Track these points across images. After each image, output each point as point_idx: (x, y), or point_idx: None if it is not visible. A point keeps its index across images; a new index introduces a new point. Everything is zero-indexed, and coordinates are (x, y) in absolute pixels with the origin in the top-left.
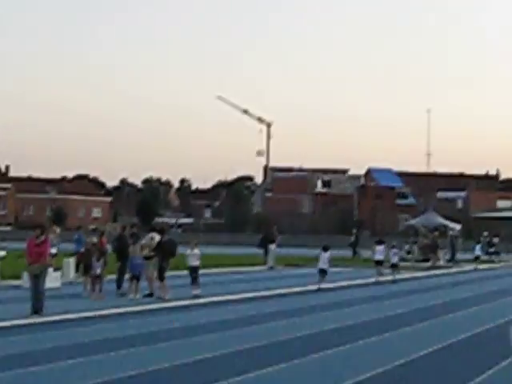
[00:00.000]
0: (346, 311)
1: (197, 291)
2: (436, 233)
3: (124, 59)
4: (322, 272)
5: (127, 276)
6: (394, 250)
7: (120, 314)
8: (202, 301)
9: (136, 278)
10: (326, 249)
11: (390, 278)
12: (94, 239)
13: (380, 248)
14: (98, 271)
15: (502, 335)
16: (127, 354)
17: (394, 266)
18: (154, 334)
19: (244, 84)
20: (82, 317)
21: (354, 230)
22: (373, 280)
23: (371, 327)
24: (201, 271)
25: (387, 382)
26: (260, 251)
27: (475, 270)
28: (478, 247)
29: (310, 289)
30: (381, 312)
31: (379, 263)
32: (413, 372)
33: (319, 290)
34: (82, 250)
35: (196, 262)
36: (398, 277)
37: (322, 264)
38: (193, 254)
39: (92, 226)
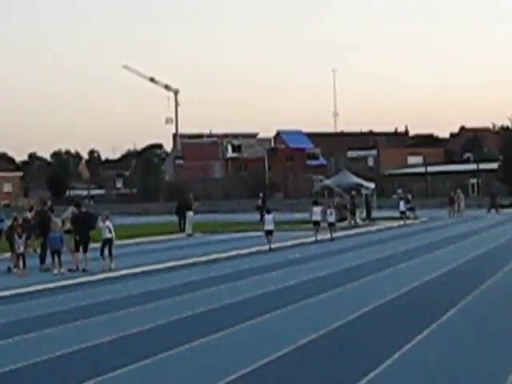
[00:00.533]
0: (299, 268)
1: (107, 264)
2: (353, 192)
3: (29, 32)
4: (268, 233)
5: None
6: (330, 210)
7: (43, 290)
8: (125, 272)
9: (56, 252)
10: (269, 211)
11: (328, 236)
12: (28, 215)
13: (317, 209)
14: (21, 248)
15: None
16: (61, 331)
17: (332, 225)
18: (85, 309)
19: (149, 52)
20: (7, 294)
21: (261, 194)
22: (312, 239)
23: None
24: (119, 243)
25: (327, 344)
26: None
27: (404, 225)
28: (401, 203)
29: (237, 253)
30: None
31: (317, 223)
32: (351, 332)
33: (270, 250)
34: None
35: (108, 235)
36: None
37: (269, 225)
38: (105, 227)
39: (4, 202)
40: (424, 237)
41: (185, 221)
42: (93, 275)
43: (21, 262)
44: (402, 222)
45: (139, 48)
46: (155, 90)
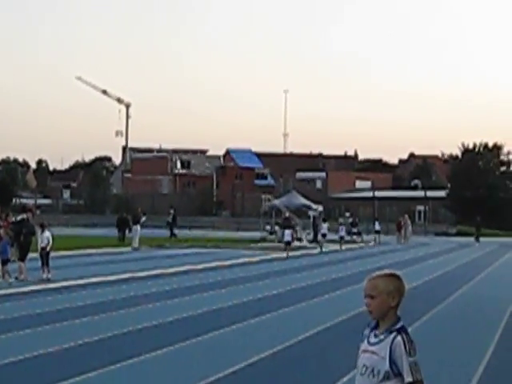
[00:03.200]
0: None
1: (47, 274)
2: (287, 214)
3: None
4: (287, 243)
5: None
6: (341, 227)
7: None
8: (66, 283)
9: (5, 261)
10: (287, 227)
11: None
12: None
13: (325, 225)
14: None
15: None
16: (11, 338)
17: (341, 238)
18: (17, 320)
19: (103, 64)
20: None
21: (171, 210)
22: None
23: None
24: (65, 253)
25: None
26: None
27: (340, 250)
28: (341, 228)
29: (186, 269)
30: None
31: (288, 244)
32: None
33: (287, 258)
34: None
35: (45, 244)
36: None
37: (287, 237)
38: (43, 236)
39: None
40: (371, 261)
41: (124, 234)
42: (35, 285)
43: None
44: (342, 247)
45: (92, 59)
46: (107, 102)
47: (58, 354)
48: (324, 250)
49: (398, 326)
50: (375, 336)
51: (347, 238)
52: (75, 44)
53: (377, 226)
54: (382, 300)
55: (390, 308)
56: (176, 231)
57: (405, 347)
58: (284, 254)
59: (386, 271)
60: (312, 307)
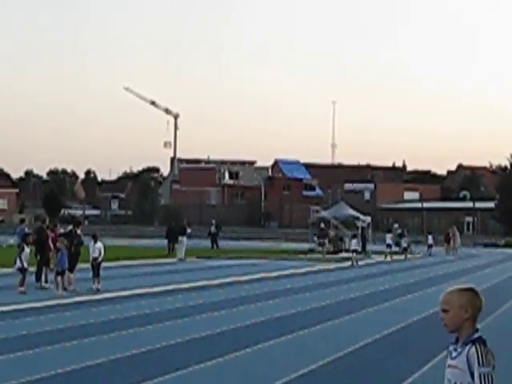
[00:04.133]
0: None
1: (97, 285)
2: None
3: (31, 47)
4: (354, 251)
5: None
6: (405, 238)
7: (33, 309)
8: (113, 295)
9: (63, 272)
10: (354, 236)
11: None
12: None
13: (354, 241)
14: (23, 264)
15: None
16: (50, 351)
17: (405, 250)
18: (74, 330)
19: (151, 75)
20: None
21: (213, 221)
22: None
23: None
24: (110, 264)
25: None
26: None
27: (390, 261)
28: (388, 236)
29: (230, 280)
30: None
31: (355, 251)
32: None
33: (353, 265)
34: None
35: (97, 255)
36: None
37: (355, 246)
38: (95, 247)
39: None
40: (421, 272)
41: (174, 245)
42: (83, 296)
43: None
44: (387, 258)
45: (141, 70)
46: (155, 113)
47: (105, 365)
48: (358, 263)
49: (474, 336)
50: (455, 350)
51: (395, 249)
52: (123, 55)
53: (430, 240)
54: (455, 313)
55: (464, 320)
56: (220, 243)
57: (478, 357)
58: (349, 263)
59: (460, 286)
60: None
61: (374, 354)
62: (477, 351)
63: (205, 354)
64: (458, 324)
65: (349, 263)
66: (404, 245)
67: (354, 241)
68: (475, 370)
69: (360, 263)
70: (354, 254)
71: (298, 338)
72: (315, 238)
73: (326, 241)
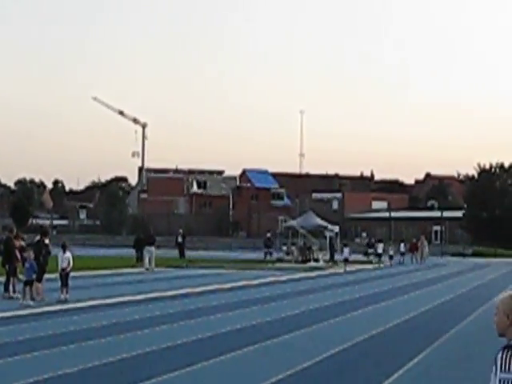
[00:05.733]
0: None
1: (65, 295)
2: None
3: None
4: (346, 260)
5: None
6: (347, 249)
7: (2, 319)
8: (81, 305)
9: (30, 282)
10: (345, 245)
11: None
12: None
13: (346, 249)
14: None
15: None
16: (16, 361)
17: (346, 260)
18: (43, 339)
19: (120, 84)
20: None
21: (181, 230)
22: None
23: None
24: (78, 274)
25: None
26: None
27: (344, 272)
28: (346, 250)
29: (209, 289)
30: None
31: (346, 260)
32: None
33: (345, 272)
34: None
35: (65, 265)
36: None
37: (346, 255)
38: (64, 257)
39: None
40: (389, 281)
41: (141, 255)
42: (53, 305)
43: None
44: (347, 268)
45: (109, 79)
46: (123, 122)
47: (76, 374)
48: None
49: (510, 343)
50: None
51: (364, 258)
52: (91, 64)
53: (402, 248)
54: (500, 318)
55: (508, 326)
56: (189, 252)
57: (500, 363)
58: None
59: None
60: (339, 323)
61: (345, 361)
62: (501, 357)
63: (171, 365)
64: (503, 328)
65: (320, 272)
66: (379, 251)
67: (346, 249)
68: (497, 375)
69: (328, 272)
70: (346, 263)
71: (267, 346)
72: (284, 247)
73: (295, 249)
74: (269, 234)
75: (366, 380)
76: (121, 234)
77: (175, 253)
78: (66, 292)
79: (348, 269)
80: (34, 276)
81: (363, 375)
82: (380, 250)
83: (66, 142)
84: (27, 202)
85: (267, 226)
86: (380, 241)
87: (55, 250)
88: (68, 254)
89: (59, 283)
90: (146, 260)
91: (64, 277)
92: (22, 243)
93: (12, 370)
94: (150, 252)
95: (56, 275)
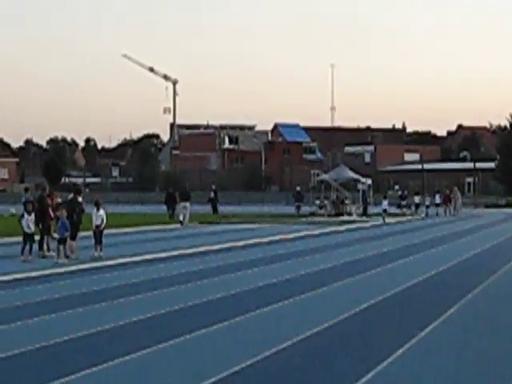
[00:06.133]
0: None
1: (99, 253)
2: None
3: (30, 16)
4: (384, 211)
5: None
6: (386, 201)
7: (40, 277)
8: (118, 261)
9: (63, 240)
10: (385, 197)
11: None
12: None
13: (385, 202)
14: (31, 227)
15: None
16: (59, 318)
17: (384, 211)
18: (84, 296)
19: (148, 42)
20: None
21: (213, 186)
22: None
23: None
24: (112, 231)
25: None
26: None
27: (384, 224)
28: (385, 202)
29: (229, 246)
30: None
31: (385, 211)
32: (351, 328)
33: (385, 223)
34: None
35: (99, 222)
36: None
37: (385, 206)
38: (98, 215)
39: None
40: (424, 233)
41: (173, 210)
42: (88, 263)
43: (28, 246)
44: (386, 220)
45: (138, 37)
46: (154, 79)
47: (112, 331)
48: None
49: None
50: None
51: (397, 211)
52: (120, 22)
53: (437, 199)
54: None
55: None
56: (221, 208)
57: None
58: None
59: None
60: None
61: (381, 312)
62: None
63: (208, 320)
64: None
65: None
66: (417, 201)
67: (385, 201)
68: None
69: (361, 225)
70: (384, 214)
71: (305, 299)
72: (317, 201)
73: (328, 203)
74: (298, 188)
75: (402, 330)
76: (153, 191)
77: (208, 208)
78: (100, 249)
79: (387, 220)
80: (67, 234)
81: (398, 327)
82: (417, 201)
83: (98, 100)
84: (60, 161)
85: (299, 181)
86: (417, 193)
87: (88, 207)
88: (101, 212)
89: (93, 241)
90: (181, 216)
91: (98, 234)
92: (59, 200)
93: (49, 327)
94: (186, 208)
95: (90, 233)
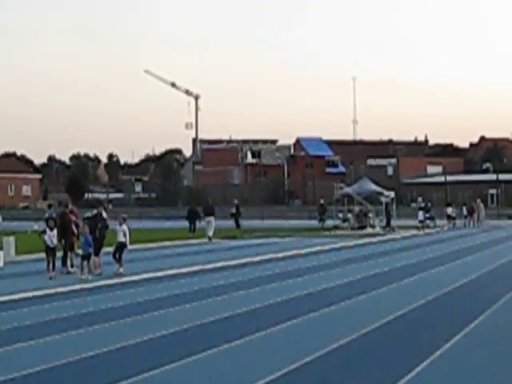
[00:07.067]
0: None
1: (120, 269)
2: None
3: (46, 32)
4: (451, 218)
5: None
6: (450, 208)
7: (66, 293)
8: (147, 276)
9: (87, 256)
10: (420, 208)
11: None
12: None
13: (449, 209)
14: (54, 241)
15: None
16: (81, 334)
17: (449, 217)
18: (107, 312)
19: (170, 57)
20: (24, 297)
21: (235, 201)
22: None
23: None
24: (135, 246)
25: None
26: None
27: (423, 234)
28: (420, 213)
29: (265, 258)
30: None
31: (452, 218)
32: (374, 342)
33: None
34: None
35: (122, 239)
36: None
37: (421, 217)
38: (120, 230)
39: (22, 204)
40: (447, 245)
41: (195, 226)
42: (111, 279)
43: (51, 263)
44: (420, 232)
45: (160, 52)
46: (176, 94)
47: (132, 348)
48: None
49: None
50: None
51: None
52: (143, 37)
53: (420, 216)
54: None
55: None
56: (245, 222)
57: None
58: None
59: None
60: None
61: (407, 323)
62: None
63: (229, 335)
64: None
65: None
66: (420, 218)
67: (421, 212)
68: None
69: (386, 237)
70: (421, 224)
71: (334, 311)
72: (340, 215)
73: (351, 216)
74: (322, 201)
75: (427, 343)
76: (176, 206)
77: (231, 224)
78: (120, 265)
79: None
80: (91, 250)
81: (423, 338)
82: (449, 213)
83: (120, 115)
84: (83, 177)
85: (322, 194)
86: (449, 204)
87: (112, 223)
88: (124, 227)
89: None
90: (208, 231)
91: (119, 250)
92: (73, 218)
93: (73, 344)
94: (210, 223)
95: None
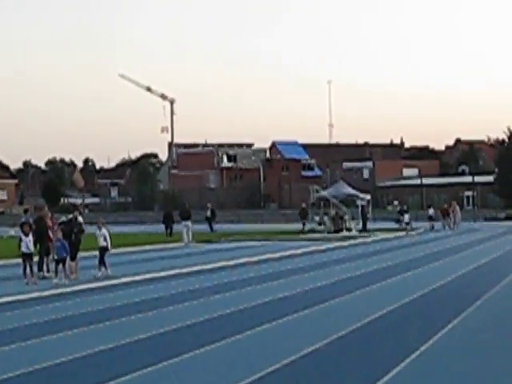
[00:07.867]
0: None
1: (101, 273)
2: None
3: (24, 40)
4: (432, 219)
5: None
6: (431, 209)
7: (48, 297)
8: (126, 279)
9: (62, 260)
10: (405, 211)
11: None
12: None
13: (431, 210)
14: (30, 247)
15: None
16: (61, 338)
17: (407, 224)
18: (86, 316)
19: (145, 61)
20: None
21: (209, 205)
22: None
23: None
24: (117, 251)
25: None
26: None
27: (406, 236)
28: (406, 216)
29: (241, 262)
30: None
31: (432, 219)
32: (347, 345)
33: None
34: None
35: (103, 243)
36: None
37: (406, 220)
38: (100, 235)
39: None
40: (424, 248)
41: (171, 230)
42: (91, 283)
43: (28, 268)
44: (405, 234)
45: (135, 57)
46: (151, 99)
47: (109, 352)
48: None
49: None
50: None
51: (396, 225)
52: (118, 41)
53: (406, 218)
54: None
55: None
56: (220, 226)
57: None
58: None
59: None
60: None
61: (387, 325)
62: None
63: (209, 338)
64: None
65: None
66: (406, 220)
67: (407, 215)
68: None
69: (361, 240)
70: (409, 227)
71: (309, 315)
72: (316, 218)
73: (327, 219)
74: (304, 205)
75: (402, 346)
76: (153, 210)
77: (206, 227)
78: (99, 270)
79: (382, 236)
80: (65, 254)
81: (403, 338)
82: (430, 214)
83: (96, 120)
84: (58, 182)
85: (298, 197)
86: (430, 206)
87: (88, 228)
88: (104, 231)
89: (97, 261)
90: (184, 234)
91: (102, 254)
92: (50, 223)
93: (46, 350)
94: (187, 226)
95: (91, 253)
